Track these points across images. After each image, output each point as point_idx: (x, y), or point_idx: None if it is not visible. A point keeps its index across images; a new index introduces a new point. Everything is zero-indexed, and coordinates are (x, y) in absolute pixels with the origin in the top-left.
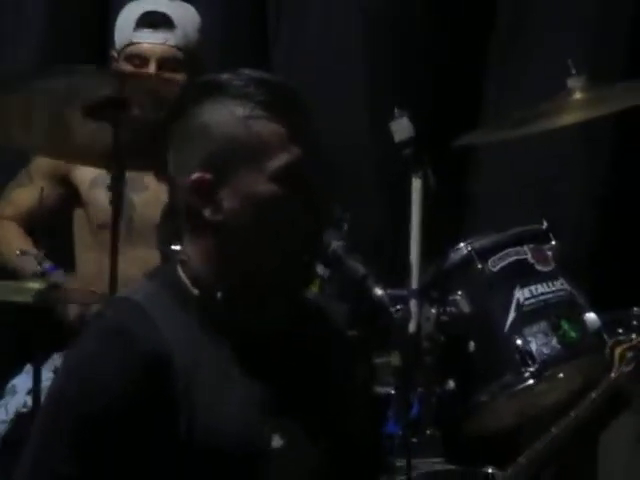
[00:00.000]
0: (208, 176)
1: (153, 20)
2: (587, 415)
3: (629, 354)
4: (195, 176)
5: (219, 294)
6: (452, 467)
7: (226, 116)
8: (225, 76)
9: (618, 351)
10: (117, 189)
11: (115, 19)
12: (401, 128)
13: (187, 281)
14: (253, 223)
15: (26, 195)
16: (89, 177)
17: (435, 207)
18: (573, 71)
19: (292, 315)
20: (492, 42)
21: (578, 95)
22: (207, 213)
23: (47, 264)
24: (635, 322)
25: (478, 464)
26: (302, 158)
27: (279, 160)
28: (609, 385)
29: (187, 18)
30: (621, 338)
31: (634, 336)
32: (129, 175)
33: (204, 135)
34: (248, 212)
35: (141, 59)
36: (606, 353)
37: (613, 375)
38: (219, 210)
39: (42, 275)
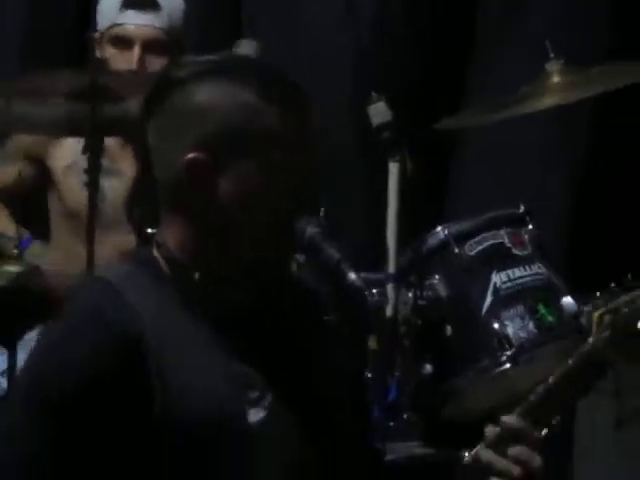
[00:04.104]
0: (203, 157)
1: (138, 1)
2: (564, 382)
3: (607, 318)
4: (190, 156)
5: (196, 274)
6: (430, 451)
7: (229, 100)
8: (223, 57)
9: (595, 315)
10: (93, 173)
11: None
12: (378, 112)
13: (163, 263)
14: (240, 209)
15: (4, 174)
16: (64, 162)
17: (412, 191)
18: (551, 54)
19: (271, 293)
20: (476, 24)
21: (556, 78)
22: (195, 196)
23: (25, 235)
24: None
25: (455, 448)
26: (298, 152)
27: (276, 153)
28: (587, 351)
29: (172, 1)
30: (598, 302)
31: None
32: (103, 162)
33: (203, 115)
34: (238, 197)
35: (125, 41)
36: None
37: (590, 340)
38: (208, 193)
39: (18, 256)
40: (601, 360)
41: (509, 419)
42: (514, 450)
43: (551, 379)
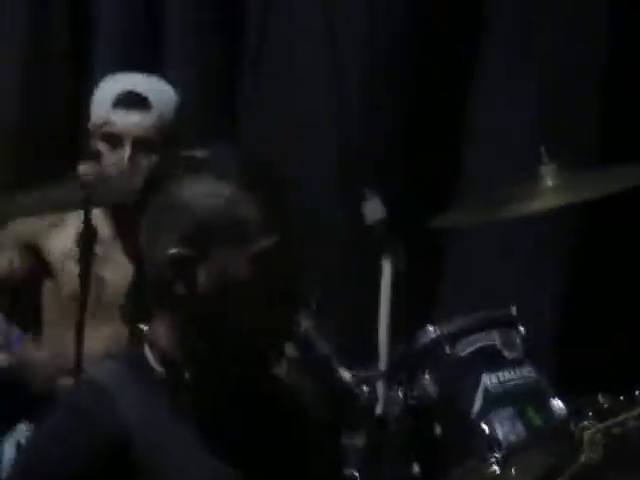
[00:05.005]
0: (186, 252)
1: (129, 100)
2: None
3: (598, 438)
4: (173, 251)
5: (186, 374)
6: None
7: (208, 194)
8: (205, 152)
9: (587, 435)
10: (86, 263)
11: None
12: (373, 209)
13: (154, 362)
14: (226, 300)
15: None
16: (63, 248)
17: (405, 288)
18: (545, 159)
19: (259, 393)
20: (465, 119)
21: (549, 182)
22: (181, 290)
23: (15, 332)
24: (604, 407)
25: None
26: (280, 243)
27: (259, 243)
28: (578, 469)
29: (164, 97)
30: (590, 422)
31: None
32: (99, 251)
33: (185, 211)
34: (223, 290)
35: (116, 139)
36: (575, 437)
37: (582, 459)
38: (194, 287)
39: (5, 350)
40: (592, 478)
41: None
42: None
43: None
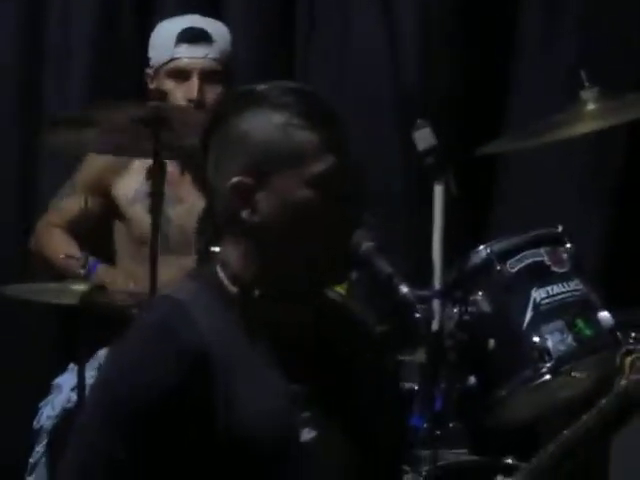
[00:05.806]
0: (248, 180)
1: (193, 36)
2: (597, 421)
3: (639, 363)
4: (236, 180)
5: (256, 292)
6: (475, 458)
7: (266, 124)
8: (263, 87)
9: (629, 359)
10: (157, 200)
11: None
12: (423, 137)
13: (226, 280)
14: (289, 225)
15: (71, 205)
16: (129, 193)
17: (457, 211)
18: (586, 83)
19: (323, 313)
20: (514, 51)
21: (591, 106)
22: (245, 215)
23: (91, 260)
24: None
25: (499, 455)
26: (337, 165)
27: (316, 167)
28: (619, 392)
29: (221, 33)
30: (631, 347)
31: None
32: (167, 190)
33: (245, 142)
34: (285, 214)
35: (183, 73)
36: (617, 360)
37: (623, 383)
38: (257, 212)
39: (85, 277)
40: (633, 401)
41: None
42: None
43: (586, 417)
